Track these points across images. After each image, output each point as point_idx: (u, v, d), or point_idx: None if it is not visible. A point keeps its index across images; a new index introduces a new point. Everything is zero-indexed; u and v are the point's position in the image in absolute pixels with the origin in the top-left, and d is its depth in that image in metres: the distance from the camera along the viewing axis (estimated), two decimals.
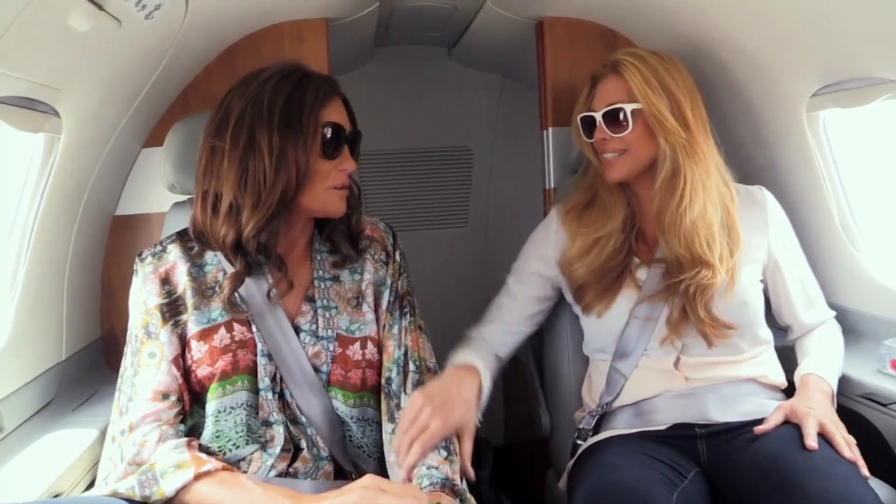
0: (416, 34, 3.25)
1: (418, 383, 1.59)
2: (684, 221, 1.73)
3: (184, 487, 1.34)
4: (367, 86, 3.39)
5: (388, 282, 1.66)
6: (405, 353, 1.62)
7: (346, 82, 1.66)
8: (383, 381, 1.61)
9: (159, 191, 2.12)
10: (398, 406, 1.58)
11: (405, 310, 1.66)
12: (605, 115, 1.78)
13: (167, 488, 1.33)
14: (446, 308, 3.26)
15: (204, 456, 1.40)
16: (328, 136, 1.51)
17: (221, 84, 2.11)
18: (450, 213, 3.70)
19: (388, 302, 1.65)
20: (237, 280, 1.52)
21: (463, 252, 3.70)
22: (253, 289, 1.56)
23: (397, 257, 1.70)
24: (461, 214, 3.72)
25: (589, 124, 1.84)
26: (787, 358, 1.87)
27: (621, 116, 1.76)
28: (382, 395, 1.60)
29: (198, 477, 1.35)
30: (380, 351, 1.62)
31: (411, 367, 1.61)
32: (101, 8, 1.43)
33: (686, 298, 1.73)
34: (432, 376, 1.63)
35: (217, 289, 1.56)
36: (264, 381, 1.52)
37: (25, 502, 1.22)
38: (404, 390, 1.59)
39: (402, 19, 2.94)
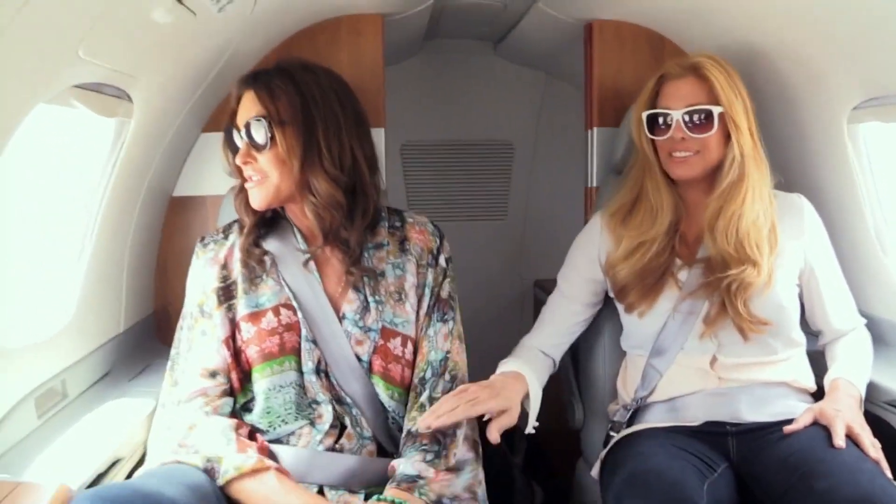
0: (463, 29, 3.30)
1: (447, 392, 1.64)
2: (741, 225, 1.77)
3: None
4: (414, 78, 3.45)
5: (431, 285, 1.71)
6: (444, 360, 1.67)
7: (394, 74, 1.72)
8: (416, 380, 1.66)
9: (215, 174, 2.21)
10: (422, 407, 1.62)
11: (447, 315, 1.71)
12: (686, 114, 1.79)
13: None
14: (482, 298, 3.33)
15: (268, 461, 1.48)
16: (225, 139, 1.66)
17: None
18: (489, 206, 3.75)
19: (429, 305, 1.70)
20: (250, 233, 1.68)
21: (501, 244, 3.75)
22: (299, 277, 1.65)
23: (442, 261, 1.74)
24: (500, 207, 3.77)
25: (660, 121, 1.83)
26: (818, 363, 1.90)
27: (705, 117, 1.78)
28: (412, 394, 1.66)
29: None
30: (415, 352, 1.68)
31: (447, 376, 1.66)
32: (180, 2, 1.51)
33: (727, 294, 1.76)
34: None
35: (264, 276, 1.65)
36: (308, 365, 1.60)
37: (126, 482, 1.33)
38: (434, 394, 1.64)
39: (453, 14, 2.99)
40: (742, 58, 2.10)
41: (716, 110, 1.77)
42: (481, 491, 1.57)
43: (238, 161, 1.60)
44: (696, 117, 1.78)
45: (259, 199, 1.62)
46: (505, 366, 1.84)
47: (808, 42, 1.94)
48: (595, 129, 2.39)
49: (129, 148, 1.88)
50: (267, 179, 1.60)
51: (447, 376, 1.66)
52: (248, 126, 1.58)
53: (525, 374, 1.81)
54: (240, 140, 1.61)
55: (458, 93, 3.58)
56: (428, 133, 3.54)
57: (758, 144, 1.82)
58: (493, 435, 1.59)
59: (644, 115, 1.86)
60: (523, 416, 1.78)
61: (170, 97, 1.96)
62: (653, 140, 1.86)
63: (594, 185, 2.42)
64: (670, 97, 1.83)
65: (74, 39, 1.36)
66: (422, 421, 1.54)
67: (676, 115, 1.79)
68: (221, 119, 2.05)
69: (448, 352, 1.68)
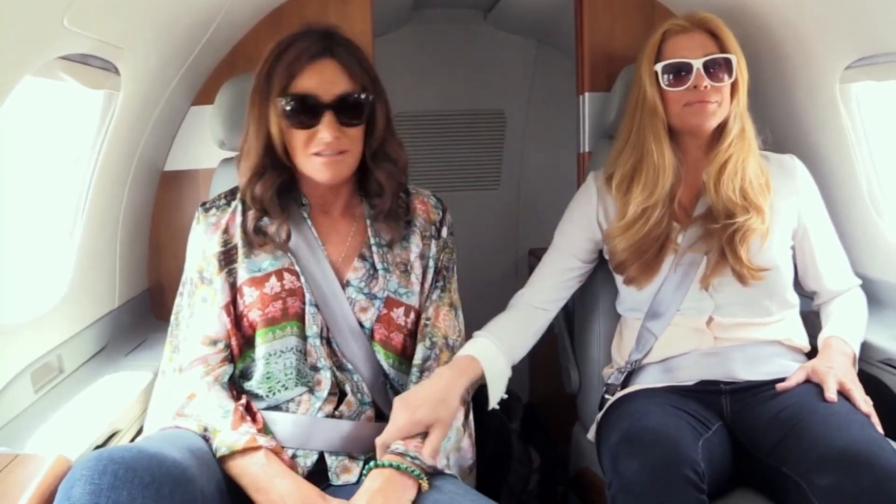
0: None
1: (427, 359, 1.66)
2: (745, 174, 1.81)
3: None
4: (404, 48, 3.43)
5: (435, 257, 1.72)
6: (424, 326, 1.69)
7: (383, 44, 1.71)
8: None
9: (206, 147, 2.20)
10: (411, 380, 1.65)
11: (438, 283, 1.72)
12: (706, 63, 1.80)
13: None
14: (476, 268, 3.33)
15: (261, 440, 1.48)
16: (289, 107, 1.55)
17: (267, 45, 2.15)
18: (482, 175, 3.75)
19: (432, 277, 1.71)
20: (256, 215, 1.64)
21: (494, 213, 3.75)
22: (302, 243, 1.65)
23: (444, 233, 1.75)
24: (493, 176, 3.77)
25: (677, 71, 1.82)
26: (812, 323, 1.91)
27: (725, 66, 1.80)
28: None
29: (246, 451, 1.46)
30: (417, 321, 1.69)
31: (427, 342, 1.67)
32: None
33: (729, 242, 1.78)
34: (448, 354, 1.69)
35: (264, 229, 1.64)
36: (312, 329, 1.60)
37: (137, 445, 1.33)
38: (415, 361, 1.66)
39: None
40: (732, 19, 2.08)
41: (733, 59, 1.81)
42: (454, 457, 1.59)
43: (328, 136, 1.54)
44: (715, 66, 1.80)
45: (339, 173, 1.59)
46: (469, 343, 1.77)
47: (798, 2, 1.94)
48: (586, 94, 2.38)
49: (118, 121, 1.87)
50: (348, 154, 1.58)
51: (427, 342, 1.67)
52: (346, 100, 1.55)
53: (481, 355, 1.71)
54: (306, 112, 1.55)
55: (449, 62, 3.56)
56: (419, 104, 3.52)
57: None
58: (432, 460, 1.49)
59: (659, 66, 1.84)
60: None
61: (158, 69, 1.95)
62: (661, 95, 1.85)
63: (586, 150, 2.42)
64: (684, 49, 1.83)
65: (59, 9, 1.35)
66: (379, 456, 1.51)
67: (697, 64, 1.80)
68: (211, 92, 2.06)
69: (428, 318, 1.69)
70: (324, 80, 1.55)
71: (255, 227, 1.63)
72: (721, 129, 1.85)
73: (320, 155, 1.56)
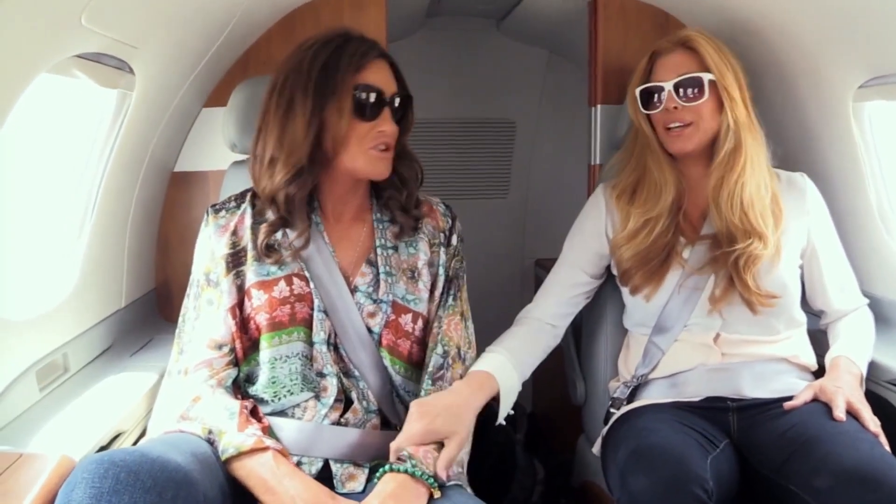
0: (466, 5, 3.29)
1: (440, 368, 1.65)
2: (744, 193, 1.78)
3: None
4: (416, 55, 3.42)
5: (445, 265, 1.71)
6: (436, 334, 1.68)
7: (395, 51, 1.72)
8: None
9: (217, 149, 2.20)
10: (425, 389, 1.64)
11: (449, 292, 1.72)
12: (677, 84, 1.80)
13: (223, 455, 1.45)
14: (483, 276, 3.32)
15: (268, 441, 1.47)
16: (361, 98, 1.56)
17: (280, 48, 2.18)
18: (491, 184, 3.75)
19: (443, 286, 1.71)
20: (271, 228, 1.61)
21: (502, 222, 3.75)
22: (312, 249, 1.63)
23: (454, 241, 1.75)
24: (502, 185, 3.76)
25: (652, 95, 1.85)
26: (819, 342, 1.91)
27: (696, 85, 1.79)
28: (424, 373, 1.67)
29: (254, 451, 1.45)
30: (426, 329, 1.68)
31: (439, 349, 1.66)
32: None
33: (735, 269, 1.77)
34: (461, 366, 1.68)
35: (276, 245, 1.63)
36: (319, 335, 1.59)
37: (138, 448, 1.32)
38: (426, 372, 1.65)
39: None
40: (746, 34, 2.10)
41: (706, 77, 1.79)
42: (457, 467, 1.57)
43: (389, 129, 1.60)
44: (687, 86, 1.80)
45: (389, 167, 1.64)
46: (484, 358, 1.76)
47: (815, 20, 1.94)
48: (599, 106, 2.39)
49: (130, 121, 1.87)
50: (392, 150, 1.63)
51: (439, 349, 1.66)
52: (401, 99, 1.63)
53: (497, 371, 1.70)
54: (374, 105, 1.58)
55: (461, 70, 3.56)
56: (429, 111, 3.51)
57: (752, 115, 1.84)
58: (441, 475, 1.46)
59: (637, 90, 1.88)
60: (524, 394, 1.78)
61: (172, 70, 1.95)
62: (649, 117, 1.88)
63: (598, 162, 2.41)
64: (662, 71, 1.85)
65: (78, 7, 1.35)
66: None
67: (668, 86, 1.81)
68: (223, 94, 2.06)
69: (440, 327, 1.68)
70: (383, 77, 1.61)
71: (267, 244, 1.61)
72: (714, 145, 1.85)
73: (376, 149, 1.59)
